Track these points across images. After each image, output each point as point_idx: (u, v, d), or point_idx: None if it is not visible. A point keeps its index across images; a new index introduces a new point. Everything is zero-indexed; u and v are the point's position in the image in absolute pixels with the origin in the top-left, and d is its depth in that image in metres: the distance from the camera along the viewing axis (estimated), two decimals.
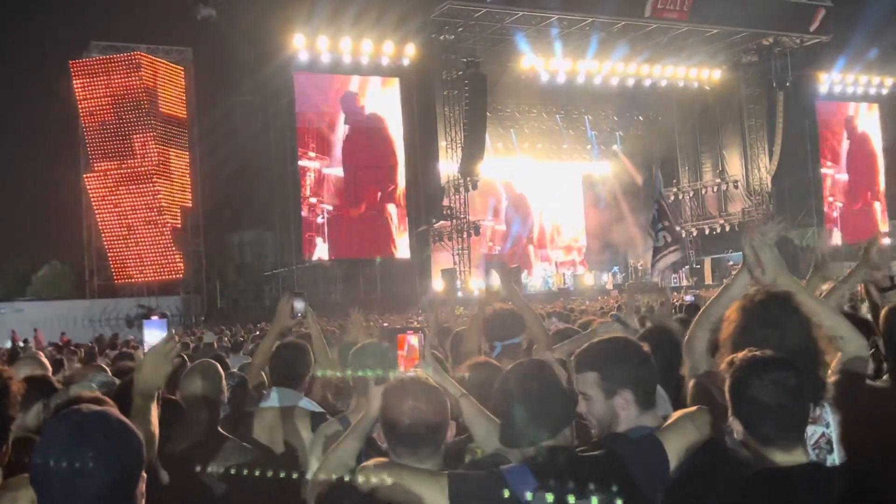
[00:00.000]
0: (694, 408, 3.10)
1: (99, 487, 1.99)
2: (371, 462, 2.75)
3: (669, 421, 2.99)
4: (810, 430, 2.86)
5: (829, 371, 3.01)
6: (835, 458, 2.85)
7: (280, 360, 4.77)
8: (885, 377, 4.07)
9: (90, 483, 1.99)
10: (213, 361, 4.48)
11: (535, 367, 3.01)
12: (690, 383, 3.28)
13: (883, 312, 3.72)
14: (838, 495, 2.52)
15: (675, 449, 2.83)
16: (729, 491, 2.62)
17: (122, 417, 2.15)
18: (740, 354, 2.65)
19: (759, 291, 3.12)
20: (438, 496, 2.59)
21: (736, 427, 2.61)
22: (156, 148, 33.22)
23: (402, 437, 2.76)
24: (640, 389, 2.93)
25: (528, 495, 2.57)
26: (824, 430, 2.88)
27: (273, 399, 4.56)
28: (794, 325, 2.91)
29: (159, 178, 33.29)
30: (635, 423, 2.93)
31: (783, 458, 2.54)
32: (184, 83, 34.99)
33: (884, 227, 43.48)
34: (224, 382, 4.36)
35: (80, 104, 33.40)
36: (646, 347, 3.05)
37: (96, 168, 33.55)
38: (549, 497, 2.56)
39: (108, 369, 5.97)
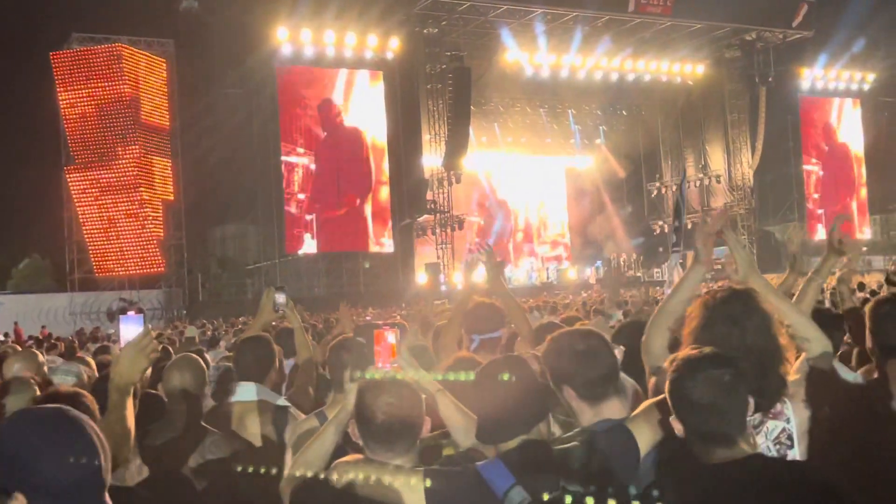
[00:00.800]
0: (661, 397, 3.13)
1: (58, 486, 1.94)
2: (345, 459, 2.74)
3: (638, 411, 3.00)
4: (771, 425, 2.87)
5: (792, 369, 3.01)
6: (795, 452, 2.87)
7: (242, 355, 4.73)
8: (859, 370, 4.09)
9: (49, 481, 1.93)
10: (195, 356, 4.46)
11: (510, 363, 3.00)
12: (651, 381, 3.29)
13: (869, 305, 3.73)
14: (784, 486, 2.51)
15: (644, 438, 2.85)
16: (676, 486, 2.63)
17: (79, 415, 2.10)
18: (681, 353, 2.66)
19: (721, 288, 3.12)
20: (414, 493, 2.58)
21: (677, 426, 2.61)
22: (138, 152, 32.95)
23: (377, 433, 2.75)
24: (578, 383, 2.96)
25: (504, 491, 2.56)
26: (785, 425, 2.89)
27: (239, 393, 4.53)
28: (754, 322, 2.92)
29: (142, 178, 33.05)
30: (596, 416, 2.97)
31: (725, 453, 2.53)
32: (166, 76, 34.72)
33: (864, 223, 43.82)
34: (206, 376, 4.34)
35: (61, 96, 33.12)
36: (591, 341, 3.04)
37: (77, 161, 33.30)
38: (524, 492, 2.55)
39: (91, 361, 5.94)
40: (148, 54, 34.32)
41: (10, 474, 1.89)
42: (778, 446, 2.85)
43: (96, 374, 5.49)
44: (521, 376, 2.88)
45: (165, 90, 34.71)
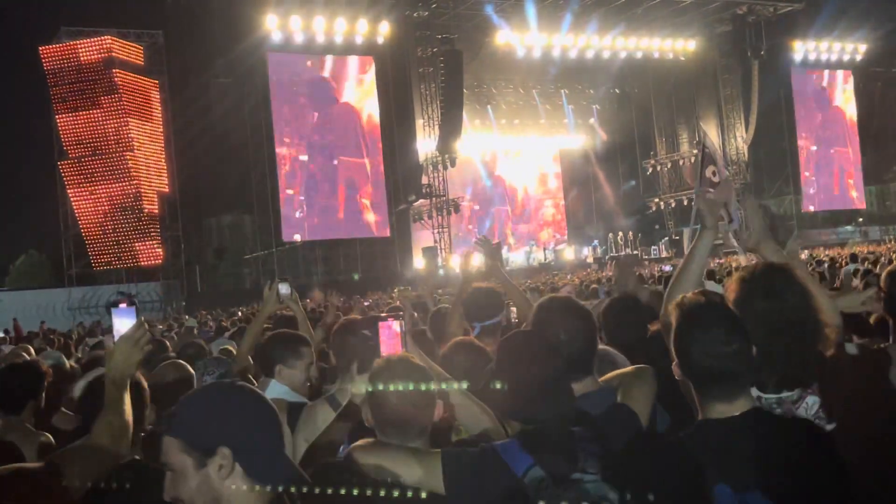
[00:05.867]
0: (633, 368, 3.20)
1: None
2: (360, 443, 2.74)
3: (624, 386, 3.04)
4: (811, 400, 2.85)
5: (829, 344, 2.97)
6: (834, 427, 2.86)
7: (269, 351, 4.66)
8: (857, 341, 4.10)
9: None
10: (183, 363, 4.43)
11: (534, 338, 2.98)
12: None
13: (884, 274, 3.73)
14: (782, 439, 2.49)
15: (641, 411, 2.91)
16: (670, 447, 2.61)
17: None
18: (687, 299, 2.60)
19: (758, 263, 3.07)
20: (432, 474, 2.58)
21: (677, 372, 2.59)
22: (131, 142, 32.93)
23: (390, 417, 2.74)
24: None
25: (523, 470, 2.56)
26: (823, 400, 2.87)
27: (266, 389, 4.46)
28: (794, 296, 2.85)
29: (134, 164, 33.03)
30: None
31: (725, 408, 2.51)
32: (155, 68, 34.68)
33: (860, 194, 43.83)
34: (193, 382, 4.32)
35: (52, 91, 33.05)
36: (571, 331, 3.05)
37: (71, 155, 33.26)
38: (543, 471, 2.55)
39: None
40: (135, 45, 34.24)
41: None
42: (817, 421, 2.83)
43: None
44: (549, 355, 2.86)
45: (155, 82, 34.65)
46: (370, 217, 34.91)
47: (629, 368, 3.23)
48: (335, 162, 34.28)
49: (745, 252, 3.30)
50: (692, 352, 2.51)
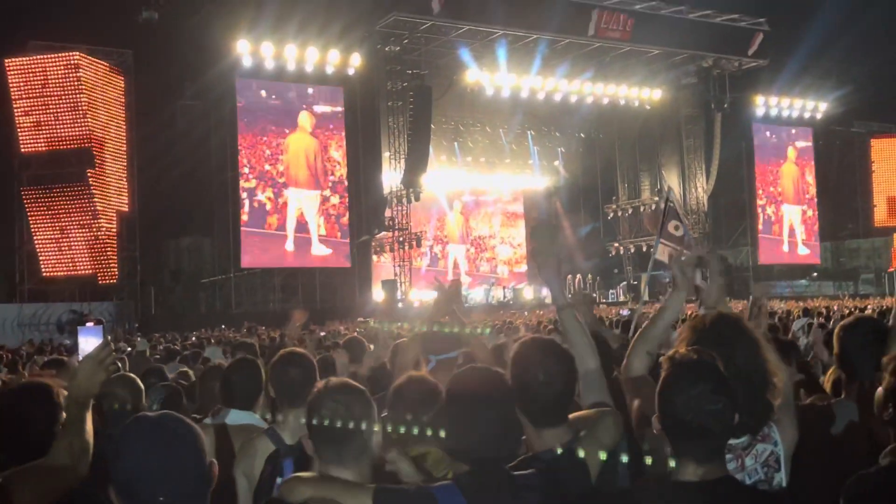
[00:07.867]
0: (594, 411, 3.16)
1: None
2: (298, 475, 2.70)
3: (583, 430, 3.03)
4: (760, 448, 2.89)
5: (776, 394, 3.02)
6: (782, 475, 2.89)
7: (232, 381, 4.57)
8: (808, 399, 4.16)
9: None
10: (132, 375, 4.40)
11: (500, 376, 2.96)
12: (634, 405, 3.22)
13: (836, 331, 3.80)
14: None
15: (593, 458, 2.90)
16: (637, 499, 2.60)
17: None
18: (681, 353, 2.61)
19: (709, 313, 3.13)
20: None
21: (656, 425, 2.58)
22: (93, 163, 32.53)
23: (321, 435, 2.69)
24: (525, 405, 2.96)
25: None
26: (773, 448, 2.91)
27: (226, 417, 4.41)
28: (743, 345, 2.92)
29: (95, 182, 32.64)
30: (537, 439, 2.99)
31: (697, 470, 2.50)
32: (123, 86, 34.39)
33: (815, 250, 44.59)
34: (143, 398, 4.29)
35: (15, 104, 32.61)
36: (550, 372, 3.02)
37: (30, 170, 32.78)
38: None
39: None
40: (105, 63, 33.92)
41: None
42: (766, 469, 2.87)
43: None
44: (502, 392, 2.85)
45: (122, 101, 34.35)
46: (328, 250, 34.70)
47: (591, 412, 3.21)
48: (294, 191, 34.13)
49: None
50: (676, 405, 2.50)
